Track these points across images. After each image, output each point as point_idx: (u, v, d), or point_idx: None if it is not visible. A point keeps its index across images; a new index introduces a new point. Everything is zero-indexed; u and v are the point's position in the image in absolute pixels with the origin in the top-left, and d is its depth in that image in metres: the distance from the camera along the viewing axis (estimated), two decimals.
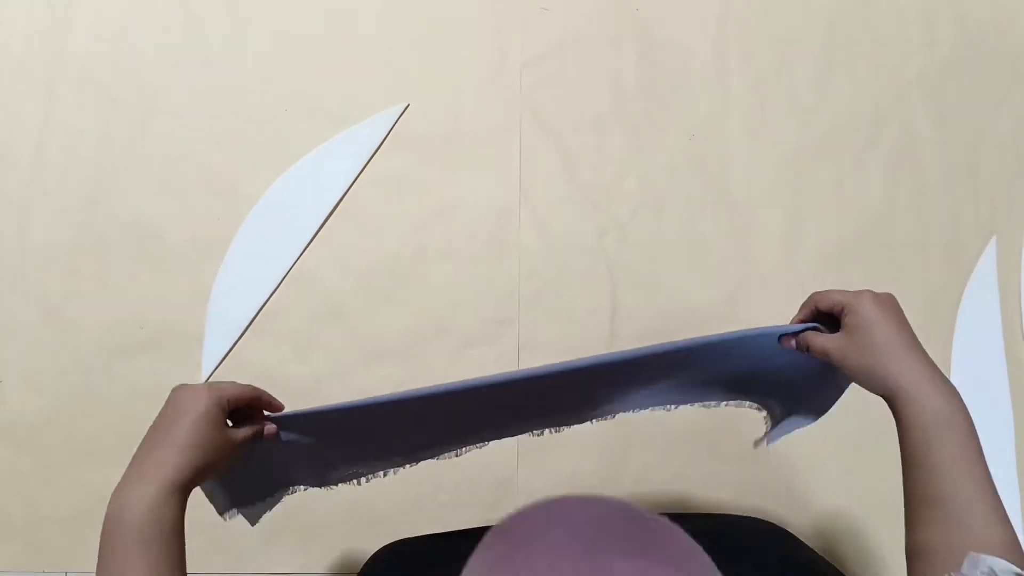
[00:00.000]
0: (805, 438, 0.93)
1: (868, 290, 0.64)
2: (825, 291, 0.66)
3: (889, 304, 0.64)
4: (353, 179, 1.03)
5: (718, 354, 0.68)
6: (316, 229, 1.02)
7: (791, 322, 0.67)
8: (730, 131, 1.07)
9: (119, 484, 0.59)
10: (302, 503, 0.91)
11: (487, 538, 0.54)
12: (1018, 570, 0.55)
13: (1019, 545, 0.58)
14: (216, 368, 0.97)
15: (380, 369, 0.99)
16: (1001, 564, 0.55)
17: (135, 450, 0.61)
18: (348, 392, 0.96)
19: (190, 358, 0.96)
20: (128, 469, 0.60)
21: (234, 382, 0.64)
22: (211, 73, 1.08)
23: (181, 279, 0.99)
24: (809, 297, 0.67)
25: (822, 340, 0.64)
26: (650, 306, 1.02)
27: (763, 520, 0.81)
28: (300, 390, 0.97)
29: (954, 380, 0.93)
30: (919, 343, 0.63)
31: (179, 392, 0.62)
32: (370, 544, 0.79)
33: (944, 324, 1.01)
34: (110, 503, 0.58)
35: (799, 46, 1.11)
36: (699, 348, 0.66)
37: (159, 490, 0.58)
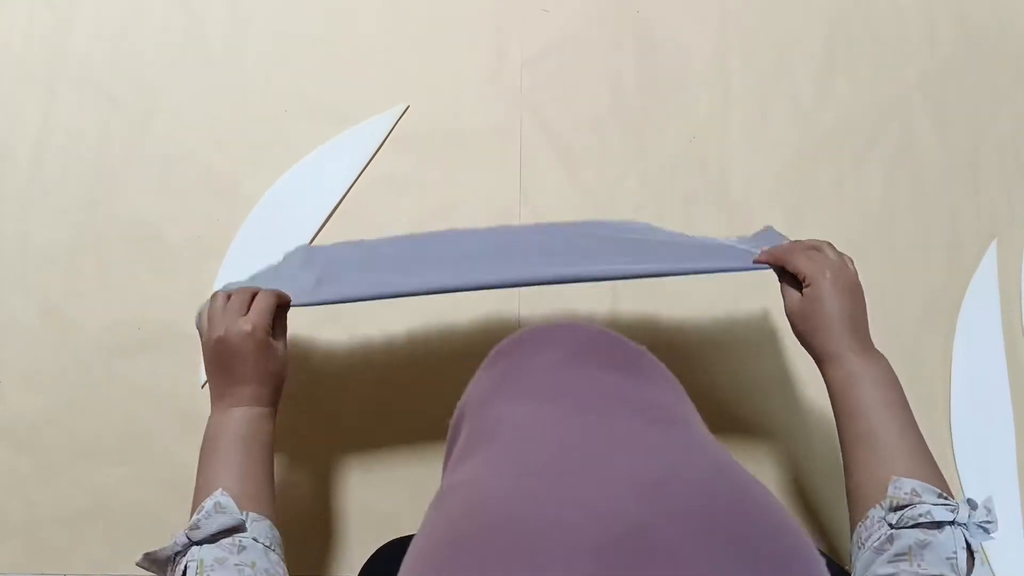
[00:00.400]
0: (820, 455, 0.94)
1: (830, 267, 0.72)
2: (797, 252, 0.75)
3: (844, 284, 0.72)
4: (353, 180, 1.03)
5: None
6: (316, 230, 1.01)
7: (759, 252, 0.79)
8: (730, 132, 1.07)
9: (214, 411, 0.73)
10: (303, 505, 0.92)
11: (488, 358, 0.63)
12: (939, 491, 0.61)
13: (942, 479, 0.64)
14: None
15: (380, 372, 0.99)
16: (923, 485, 0.61)
17: (209, 385, 0.75)
18: (346, 397, 0.96)
19: (189, 358, 0.96)
20: (216, 401, 0.73)
21: (258, 296, 0.75)
22: (211, 73, 1.08)
23: (181, 279, 0.99)
24: (781, 247, 0.78)
25: (785, 288, 0.76)
26: (650, 306, 1.01)
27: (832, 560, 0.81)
28: (298, 393, 0.96)
29: (955, 380, 0.97)
30: (864, 325, 0.73)
31: (231, 334, 0.72)
32: (372, 545, 0.79)
33: (945, 325, 1.01)
34: (209, 426, 0.72)
35: (799, 47, 1.11)
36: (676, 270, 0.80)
37: (255, 411, 0.71)
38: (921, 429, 0.94)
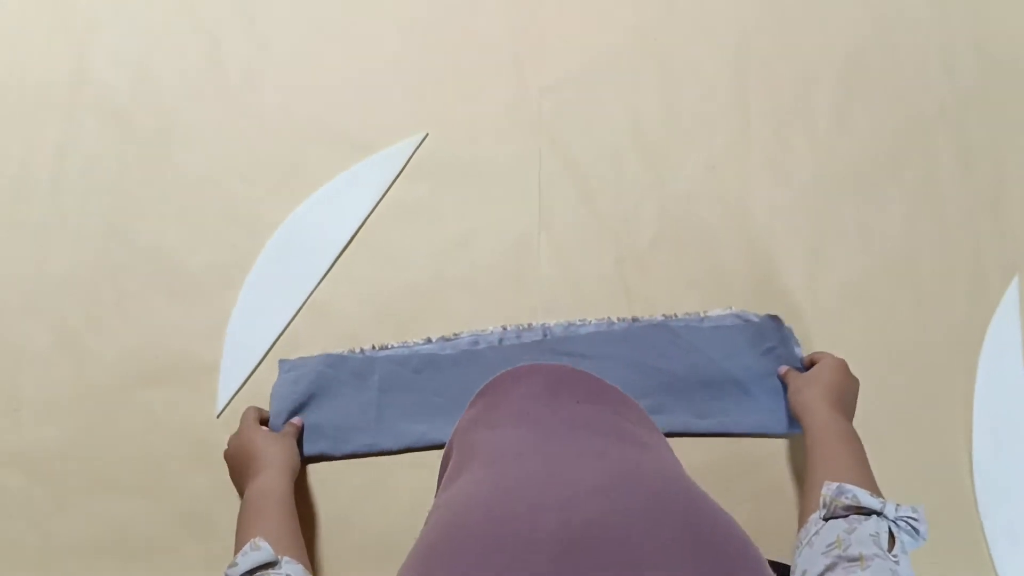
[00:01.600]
0: None
1: (841, 360, 0.88)
2: (826, 353, 0.91)
3: (847, 371, 0.87)
4: (371, 208, 1.03)
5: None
6: (334, 258, 1.01)
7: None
8: (750, 163, 1.06)
9: (247, 484, 0.81)
10: (315, 532, 0.91)
11: (472, 401, 0.71)
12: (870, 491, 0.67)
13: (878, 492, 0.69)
14: (233, 397, 0.96)
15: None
16: (855, 487, 0.67)
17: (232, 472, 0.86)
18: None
19: (206, 389, 0.96)
20: (245, 480, 0.82)
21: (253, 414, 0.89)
22: (231, 100, 1.08)
23: (199, 308, 0.99)
24: (815, 353, 0.93)
25: (791, 372, 0.92)
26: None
27: (779, 563, 0.80)
28: None
29: (976, 415, 0.95)
30: (851, 408, 0.84)
31: (235, 438, 0.87)
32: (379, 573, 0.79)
33: (967, 359, 1.00)
34: (245, 495, 0.80)
35: (818, 77, 1.11)
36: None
37: (272, 473, 0.81)
38: (939, 462, 0.95)
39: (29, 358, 0.97)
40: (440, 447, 0.92)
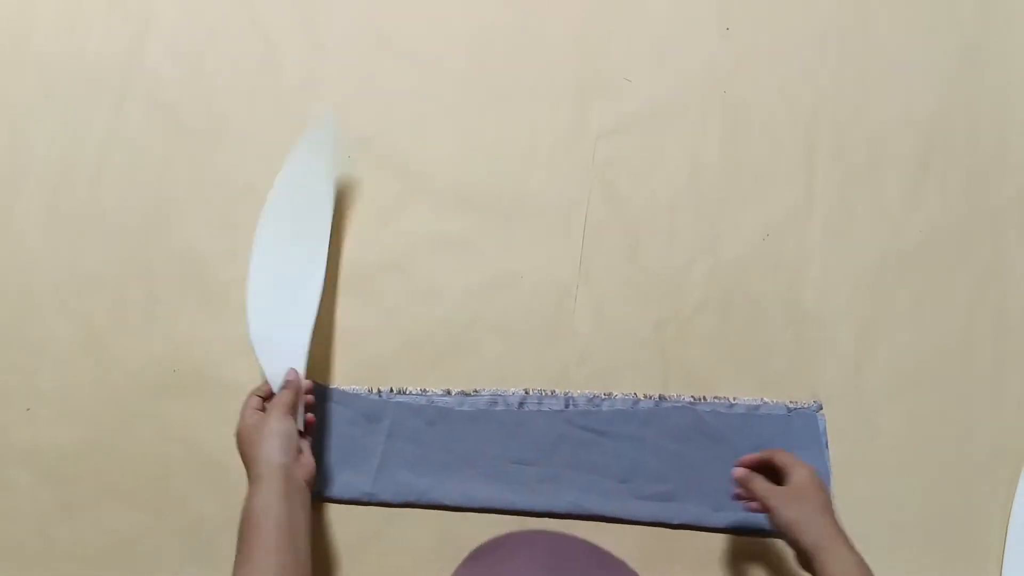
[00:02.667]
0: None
1: (810, 466, 0.79)
2: (785, 453, 0.81)
3: (820, 481, 0.79)
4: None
5: None
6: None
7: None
8: (809, 233, 1.01)
9: (250, 495, 0.75)
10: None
11: (464, 561, 0.67)
12: None
13: None
14: None
15: None
16: None
17: (246, 468, 0.80)
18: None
19: (225, 408, 0.93)
20: (250, 484, 0.77)
21: (282, 400, 0.83)
22: (283, 107, 1.05)
23: (227, 322, 0.97)
24: (768, 451, 0.83)
25: (761, 482, 0.79)
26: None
27: None
28: None
29: (1012, 528, 0.90)
30: (834, 514, 0.77)
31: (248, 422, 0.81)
32: None
33: (1011, 466, 0.95)
34: (248, 507, 0.74)
35: (892, 147, 1.05)
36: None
37: (282, 497, 0.74)
38: (968, 562, 0.90)
39: (51, 353, 0.96)
40: (441, 508, 0.90)
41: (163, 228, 1.01)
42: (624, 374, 0.96)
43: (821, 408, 0.94)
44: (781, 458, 0.81)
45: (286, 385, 0.85)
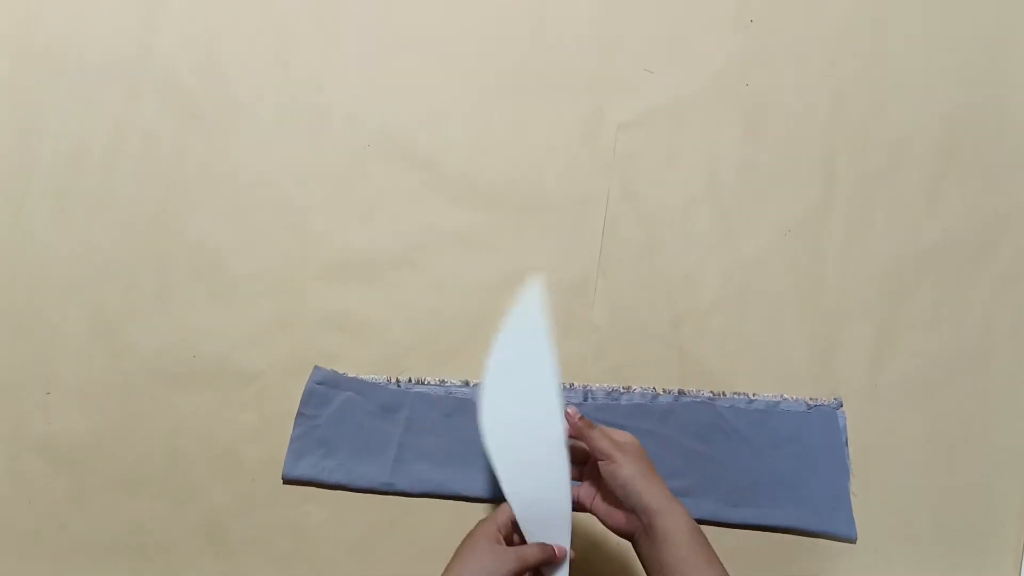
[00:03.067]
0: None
1: (623, 440, 0.76)
2: (596, 437, 0.75)
3: (635, 450, 0.75)
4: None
5: None
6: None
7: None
8: (829, 231, 1.00)
9: None
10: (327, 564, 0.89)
11: None
12: None
13: None
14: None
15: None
16: None
17: None
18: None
19: (238, 398, 0.93)
20: None
21: (526, 554, 0.71)
22: (297, 96, 1.04)
23: (239, 313, 0.96)
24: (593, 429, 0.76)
25: (607, 438, 0.75)
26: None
27: None
28: None
29: None
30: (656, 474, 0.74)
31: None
32: None
33: None
34: None
35: (913, 147, 1.04)
36: None
37: None
38: (985, 561, 0.89)
39: (65, 342, 0.96)
40: (458, 498, 0.89)
41: (176, 217, 1.00)
42: (641, 370, 0.95)
43: (841, 405, 0.93)
44: (590, 431, 0.76)
45: (544, 551, 0.72)
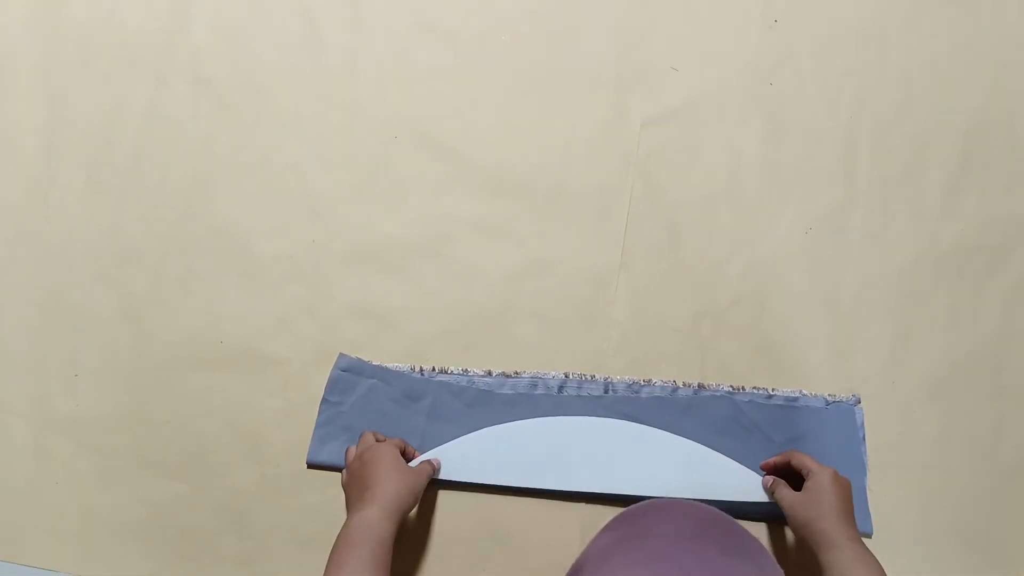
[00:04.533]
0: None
1: (833, 469, 0.82)
2: (798, 453, 0.85)
3: (843, 484, 0.82)
4: None
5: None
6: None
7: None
8: (849, 231, 1.02)
9: (354, 512, 0.77)
10: None
11: (610, 522, 0.68)
12: None
13: None
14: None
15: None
16: None
17: (346, 491, 0.83)
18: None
19: (263, 383, 0.94)
20: (354, 503, 0.79)
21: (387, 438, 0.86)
22: (325, 85, 1.05)
23: (265, 299, 0.97)
24: (787, 452, 0.87)
25: (783, 490, 0.84)
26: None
27: None
28: None
29: None
30: (853, 520, 0.80)
31: (367, 451, 0.82)
32: None
33: None
34: (349, 522, 0.76)
35: (934, 150, 1.05)
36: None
37: (378, 514, 0.75)
38: (999, 560, 0.90)
39: (92, 325, 0.96)
40: (479, 488, 0.90)
41: (202, 203, 1.01)
42: (660, 364, 0.96)
43: (859, 402, 0.94)
44: (798, 460, 0.84)
45: (434, 464, 0.87)
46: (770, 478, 0.87)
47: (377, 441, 0.86)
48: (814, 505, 0.80)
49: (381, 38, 1.07)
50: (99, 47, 1.06)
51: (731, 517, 0.68)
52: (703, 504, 0.73)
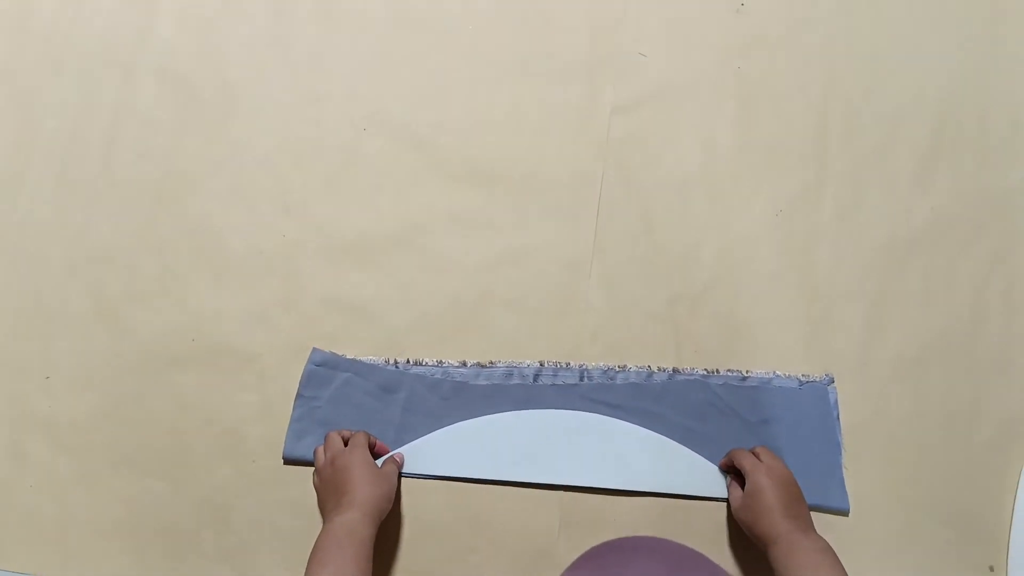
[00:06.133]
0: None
1: (766, 465, 0.83)
2: (740, 452, 0.86)
3: (781, 476, 0.82)
4: None
5: None
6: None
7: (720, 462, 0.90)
8: (821, 211, 1.02)
9: (333, 515, 0.78)
10: None
11: (577, 561, 0.68)
12: None
13: None
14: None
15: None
16: None
17: (320, 494, 0.84)
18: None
19: (240, 378, 0.94)
20: (331, 508, 0.80)
21: (353, 434, 0.87)
22: (294, 78, 1.05)
23: (239, 294, 0.97)
24: (730, 452, 0.88)
25: (733, 491, 0.86)
26: None
27: None
28: None
29: (1017, 514, 0.91)
30: (804, 513, 0.81)
31: (339, 456, 0.83)
32: None
33: (1017, 451, 0.96)
34: (331, 525, 0.77)
35: (905, 128, 1.05)
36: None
37: (359, 516, 0.77)
38: (973, 558, 0.91)
39: (66, 324, 0.96)
40: (453, 480, 0.90)
41: (174, 199, 1.01)
42: (637, 349, 0.97)
43: (832, 382, 0.95)
44: (738, 461, 0.85)
45: (397, 460, 0.89)
46: (728, 477, 0.88)
47: (344, 439, 0.86)
48: (752, 507, 0.81)
49: (349, 30, 1.07)
50: (67, 44, 1.06)
51: (702, 554, 0.69)
52: (673, 542, 0.74)
